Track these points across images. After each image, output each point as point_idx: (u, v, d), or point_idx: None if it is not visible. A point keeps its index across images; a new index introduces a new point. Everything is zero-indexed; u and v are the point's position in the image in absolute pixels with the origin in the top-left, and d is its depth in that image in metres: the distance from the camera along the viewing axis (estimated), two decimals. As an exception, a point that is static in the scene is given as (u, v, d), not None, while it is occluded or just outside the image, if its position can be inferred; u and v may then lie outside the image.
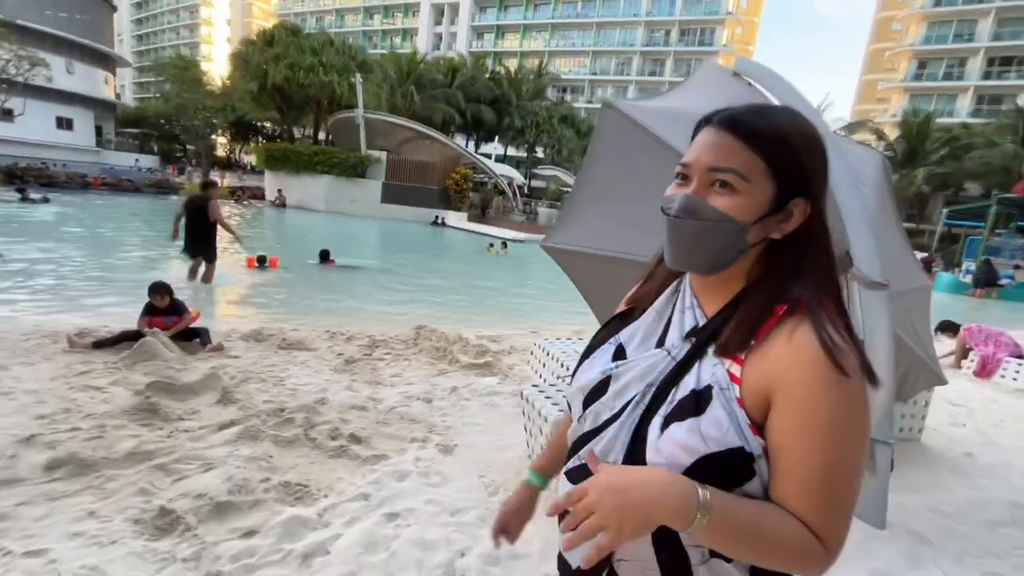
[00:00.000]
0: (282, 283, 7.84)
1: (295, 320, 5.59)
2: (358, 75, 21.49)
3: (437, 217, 22.03)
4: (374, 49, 53.95)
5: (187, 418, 2.94)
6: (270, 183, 23.31)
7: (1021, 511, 2.65)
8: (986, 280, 17.92)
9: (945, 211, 23.88)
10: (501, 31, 58.44)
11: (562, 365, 3.67)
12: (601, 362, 0.75)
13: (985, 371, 5.15)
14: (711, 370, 0.65)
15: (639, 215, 2.72)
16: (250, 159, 59.18)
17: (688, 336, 0.70)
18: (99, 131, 32.61)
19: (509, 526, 0.95)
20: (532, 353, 4.23)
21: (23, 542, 1.79)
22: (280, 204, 21.55)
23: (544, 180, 34.78)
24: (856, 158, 2.80)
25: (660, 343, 0.73)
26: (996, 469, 3.14)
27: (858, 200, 2.29)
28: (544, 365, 3.96)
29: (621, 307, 0.84)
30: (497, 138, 39.50)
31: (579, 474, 0.72)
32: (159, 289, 4.30)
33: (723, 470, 0.61)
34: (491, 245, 14.78)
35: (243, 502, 2.11)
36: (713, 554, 0.66)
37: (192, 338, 4.31)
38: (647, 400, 0.68)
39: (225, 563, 1.78)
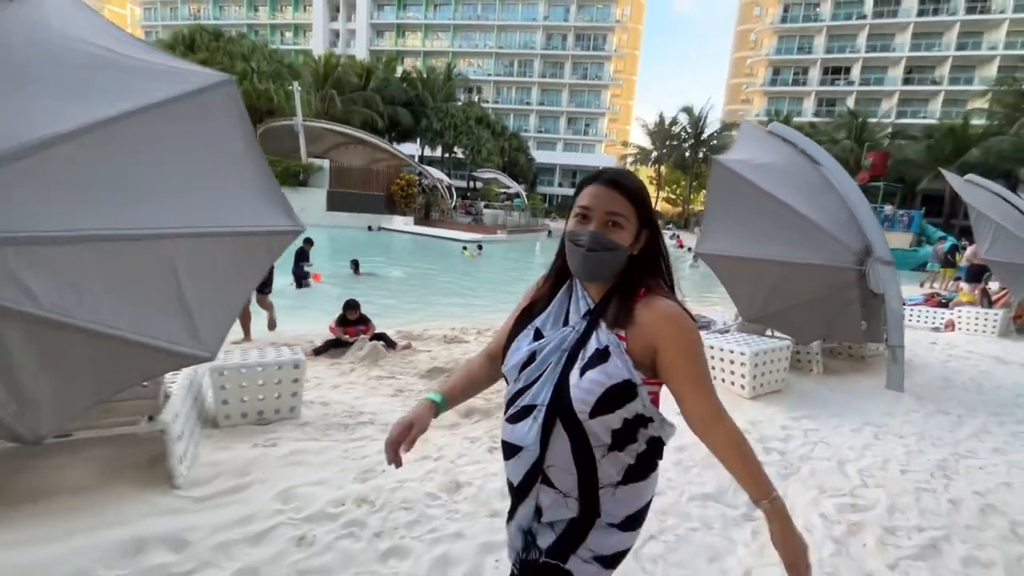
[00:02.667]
0: (352, 293, 8.63)
1: (415, 322, 6.67)
2: (296, 83, 21.09)
3: (370, 226, 22.19)
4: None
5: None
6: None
7: (953, 387, 4.83)
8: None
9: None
10: (402, 30, 58.06)
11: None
12: (526, 343, 1.09)
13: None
14: (606, 336, 1.01)
15: (757, 230, 4.53)
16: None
17: (584, 316, 1.06)
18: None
19: (405, 436, 1.08)
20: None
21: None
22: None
23: (483, 182, 35.83)
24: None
25: (565, 323, 1.09)
26: (959, 362, 5.40)
27: (859, 196, 4.25)
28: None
29: (524, 303, 1.19)
30: (419, 140, 39.83)
31: (515, 418, 1.06)
32: (352, 305, 5.28)
33: (619, 394, 0.98)
34: (465, 248, 15.99)
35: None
36: (611, 448, 1.02)
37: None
38: (564, 360, 1.03)
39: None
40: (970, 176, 8.39)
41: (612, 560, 1.07)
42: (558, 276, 1.14)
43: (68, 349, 2.01)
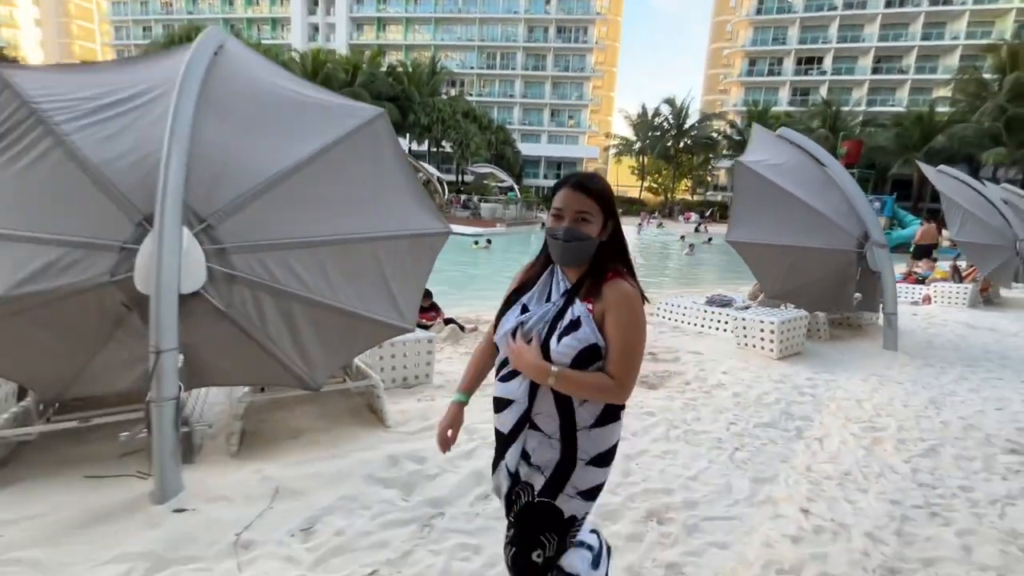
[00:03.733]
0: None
1: (475, 306, 7.46)
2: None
3: None
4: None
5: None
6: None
7: (934, 347, 5.81)
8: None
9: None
10: (383, 23, 57.77)
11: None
12: (514, 316, 1.34)
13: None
14: (579, 308, 1.27)
15: (775, 220, 5.42)
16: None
17: (563, 294, 1.31)
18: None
19: (448, 434, 1.46)
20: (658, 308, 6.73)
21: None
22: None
23: (474, 176, 36.18)
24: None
25: (548, 300, 1.34)
26: (938, 328, 6.40)
27: (856, 190, 5.18)
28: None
29: (514, 285, 1.43)
30: (407, 135, 40.04)
31: (507, 377, 1.34)
32: (425, 293, 6.02)
33: (589, 355, 1.24)
34: (476, 242, 16.69)
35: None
36: (584, 400, 1.28)
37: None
38: (546, 330, 1.28)
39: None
40: (941, 167, 9.47)
41: (591, 493, 1.34)
42: (544, 262, 1.39)
43: (329, 321, 2.76)
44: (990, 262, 8.35)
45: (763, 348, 5.07)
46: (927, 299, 8.84)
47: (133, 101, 2.79)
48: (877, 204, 26.92)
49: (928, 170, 9.13)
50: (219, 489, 2.33)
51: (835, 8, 45.79)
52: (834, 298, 5.60)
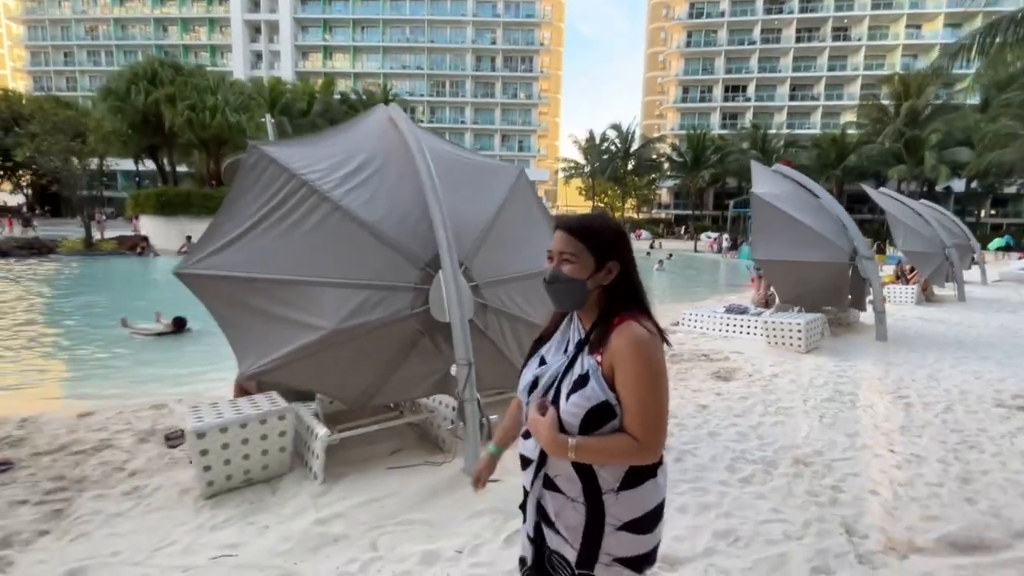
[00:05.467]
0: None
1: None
2: (268, 115, 21.29)
3: None
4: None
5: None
6: (157, 231, 21.56)
7: (907, 338, 7.24)
8: (731, 247, 28.33)
9: (731, 202, 33.47)
10: (329, 52, 57.84)
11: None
12: (532, 369, 1.28)
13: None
14: (588, 361, 1.16)
15: (785, 240, 6.66)
16: (14, 200, 48.28)
17: (576, 344, 1.22)
18: None
19: (481, 480, 1.47)
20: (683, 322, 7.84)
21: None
22: (188, 252, 20.36)
23: None
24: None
25: (565, 351, 1.25)
26: (900, 323, 7.85)
27: (844, 213, 6.56)
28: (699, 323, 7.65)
29: (536, 334, 1.39)
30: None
31: (528, 434, 1.26)
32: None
33: (599, 414, 1.13)
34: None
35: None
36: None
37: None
38: (555, 383, 1.20)
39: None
40: (882, 189, 11.39)
41: (634, 562, 1.20)
42: (560, 316, 1.33)
43: (527, 336, 3.54)
44: (928, 267, 10.18)
45: (791, 344, 6.25)
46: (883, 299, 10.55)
47: (365, 170, 3.51)
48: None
49: (871, 191, 10.97)
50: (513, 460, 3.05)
51: (754, 43, 50.88)
52: (833, 300, 6.92)
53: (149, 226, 22.23)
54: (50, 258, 17.86)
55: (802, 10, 49.44)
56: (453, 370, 3.01)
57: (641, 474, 1.18)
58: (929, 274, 10.19)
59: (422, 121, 53.58)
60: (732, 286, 15.99)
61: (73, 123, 18.15)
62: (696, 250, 33.07)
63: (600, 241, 1.20)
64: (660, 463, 1.22)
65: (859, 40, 48.50)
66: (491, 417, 3.03)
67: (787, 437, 3.75)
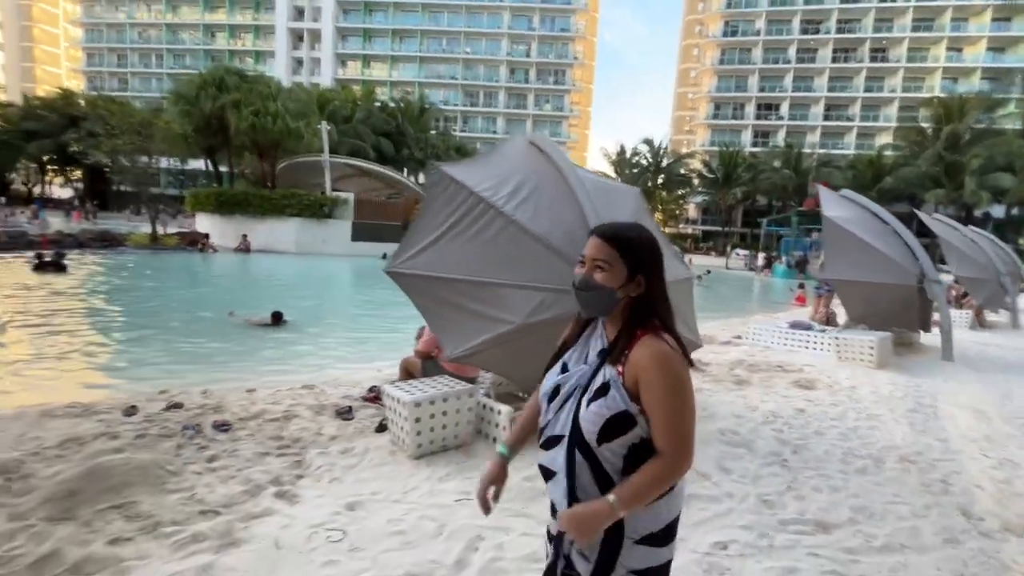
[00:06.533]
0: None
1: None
2: (324, 122, 22.41)
3: (385, 254, 23.45)
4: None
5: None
6: (214, 229, 22.65)
7: (968, 358, 7.55)
8: (766, 265, 28.47)
9: (764, 220, 33.68)
10: (368, 60, 59.59)
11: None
12: (553, 376, 1.28)
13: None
14: (609, 372, 1.18)
15: (854, 261, 7.08)
16: (64, 193, 50.80)
17: (599, 354, 1.23)
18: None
19: (490, 491, 1.36)
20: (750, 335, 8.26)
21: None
22: (244, 249, 21.34)
23: None
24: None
25: (585, 360, 1.26)
26: (960, 345, 8.16)
27: (912, 238, 6.94)
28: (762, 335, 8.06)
29: (558, 343, 1.36)
30: (404, 170, 41.29)
31: (547, 444, 1.24)
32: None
33: (620, 422, 1.14)
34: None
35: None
36: (623, 472, 1.16)
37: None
38: (578, 394, 1.20)
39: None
40: (935, 215, 11.65)
41: (649, 574, 1.22)
42: (582, 322, 1.34)
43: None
44: (982, 293, 10.42)
45: (862, 360, 6.64)
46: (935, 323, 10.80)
47: (523, 190, 4.05)
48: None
49: (926, 218, 11.25)
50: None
51: (789, 62, 50.96)
52: (900, 321, 7.29)
53: (206, 223, 23.35)
54: (120, 251, 18.94)
55: (839, 30, 49.45)
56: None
57: None
58: (983, 300, 10.42)
59: (455, 130, 54.83)
60: (775, 303, 16.27)
61: (146, 125, 19.36)
62: (728, 267, 33.20)
63: (634, 252, 1.22)
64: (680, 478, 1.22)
65: (897, 61, 48.26)
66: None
67: (885, 439, 4.19)
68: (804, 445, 3.95)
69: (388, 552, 2.34)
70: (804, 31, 50.46)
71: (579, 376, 1.23)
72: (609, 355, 1.21)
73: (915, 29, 47.42)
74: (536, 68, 57.47)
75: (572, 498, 1.19)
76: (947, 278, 11.25)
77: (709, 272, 24.26)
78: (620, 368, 1.17)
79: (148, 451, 3.22)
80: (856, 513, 2.98)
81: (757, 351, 7.52)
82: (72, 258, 14.65)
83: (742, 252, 36.84)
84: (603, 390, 1.17)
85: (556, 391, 1.26)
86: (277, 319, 8.57)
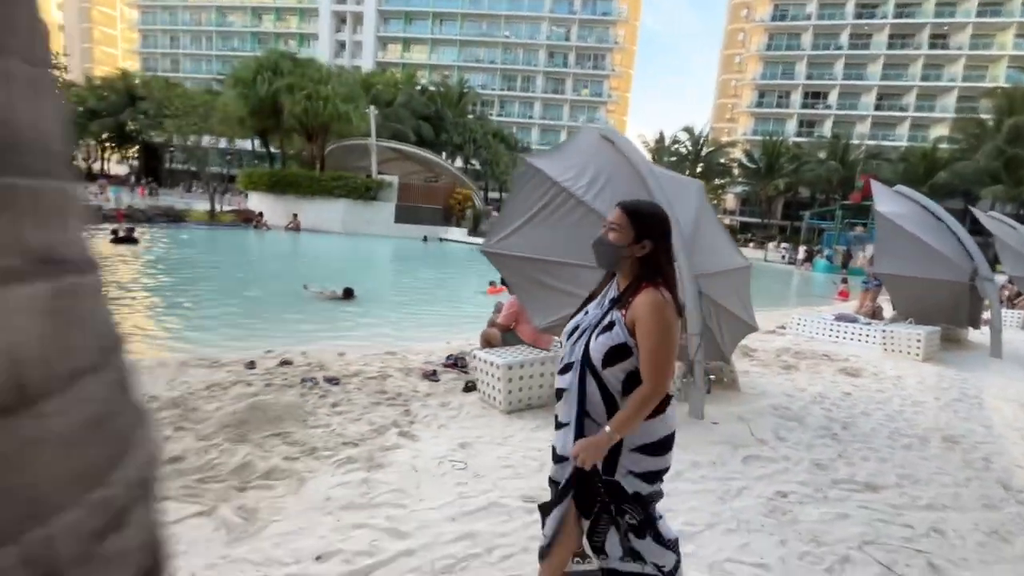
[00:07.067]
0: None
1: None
2: (372, 107, 23.13)
3: (426, 237, 23.48)
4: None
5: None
6: (265, 207, 23.70)
7: (1018, 356, 7.61)
8: (807, 259, 27.79)
9: (807, 214, 32.91)
10: (408, 43, 60.04)
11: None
12: (577, 317, 1.68)
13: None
14: (614, 314, 1.55)
15: (905, 255, 7.21)
16: (119, 169, 53.49)
17: (610, 301, 1.60)
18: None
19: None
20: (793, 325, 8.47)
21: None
22: (294, 228, 22.34)
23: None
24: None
25: (601, 306, 1.63)
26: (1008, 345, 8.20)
27: (965, 233, 7.02)
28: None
29: (587, 295, 1.75)
30: (443, 153, 41.82)
31: (563, 370, 1.64)
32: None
33: (619, 351, 1.50)
34: None
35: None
36: (623, 393, 1.55)
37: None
38: (590, 330, 1.58)
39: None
40: (991, 212, 11.44)
41: (648, 477, 1.57)
42: (609, 275, 1.71)
43: (732, 321, 4.44)
44: (1037, 292, 10.27)
45: (909, 353, 6.83)
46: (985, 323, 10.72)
47: (599, 180, 4.45)
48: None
49: (981, 215, 11.08)
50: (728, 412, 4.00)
51: (840, 48, 48.94)
52: (950, 317, 7.41)
53: (257, 202, 24.48)
54: (181, 226, 20.17)
55: (897, 15, 47.11)
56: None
57: (653, 411, 1.53)
58: (1037, 299, 10.28)
59: (492, 114, 54.94)
60: (818, 296, 16.20)
61: (207, 107, 20.39)
62: (766, 259, 32.68)
63: (642, 221, 1.57)
64: (668, 403, 1.57)
65: (959, 49, 45.76)
66: (711, 376, 3.96)
67: (930, 422, 4.48)
68: (852, 423, 4.29)
69: (504, 480, 2.86)
70: (859, 16, 48.27)
71: (593, 317, 1.62)
72: (618, 302, 1.57)
73: (980, 15, 44.77)
74: (576, 52, 56.79)
75: (581, 410, 1.55)
76: (1001, 278, 11.12)
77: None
78: (624, 311, 1.54)
79: (283, 395, 3.83)
80: (902, 480, 3.34)
81: (802, 340, 7.76)
82: (140, 232, 15.72)
83: (785, 246, 35.94)
84: (609, 327, 1.53)
85: (575, 329, 1.64)
86: (348, 294, 9.23)
